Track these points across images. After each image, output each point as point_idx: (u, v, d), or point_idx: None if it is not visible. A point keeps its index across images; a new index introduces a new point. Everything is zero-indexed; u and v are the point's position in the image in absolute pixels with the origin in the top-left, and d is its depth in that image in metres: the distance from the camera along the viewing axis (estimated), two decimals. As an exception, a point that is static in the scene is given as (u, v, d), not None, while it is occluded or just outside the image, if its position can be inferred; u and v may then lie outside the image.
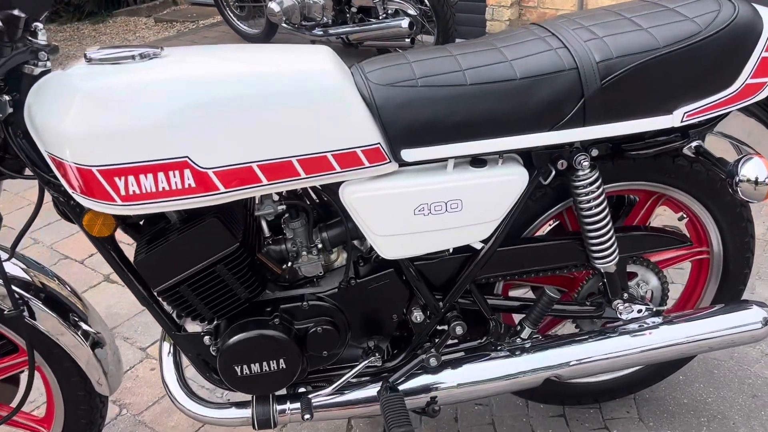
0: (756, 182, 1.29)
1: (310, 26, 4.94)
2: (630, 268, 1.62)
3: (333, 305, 1.44)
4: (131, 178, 1.18)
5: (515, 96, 1.28)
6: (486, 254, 1.46)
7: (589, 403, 1.86)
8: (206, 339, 1.43)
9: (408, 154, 1.30)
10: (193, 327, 1.47)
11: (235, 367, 1.38)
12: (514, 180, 1.36)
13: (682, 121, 1.33)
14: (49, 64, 1.27)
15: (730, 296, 1.72)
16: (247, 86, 1.21)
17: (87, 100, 1.17)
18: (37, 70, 1.24)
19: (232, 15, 5.91)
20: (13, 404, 1.53)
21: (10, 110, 1.22)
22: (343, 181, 1.32)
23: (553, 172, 1.39)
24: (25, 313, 1.40)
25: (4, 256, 1.43)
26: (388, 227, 1.35)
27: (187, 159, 1.19)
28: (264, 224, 1.41)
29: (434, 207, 1.35)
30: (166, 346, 1.53)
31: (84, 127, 1.16)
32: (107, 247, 1.35)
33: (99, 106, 1.16)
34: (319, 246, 1.42)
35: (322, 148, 1.25)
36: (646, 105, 1.30)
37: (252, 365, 1.38)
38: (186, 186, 1.20)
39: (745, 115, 1.48)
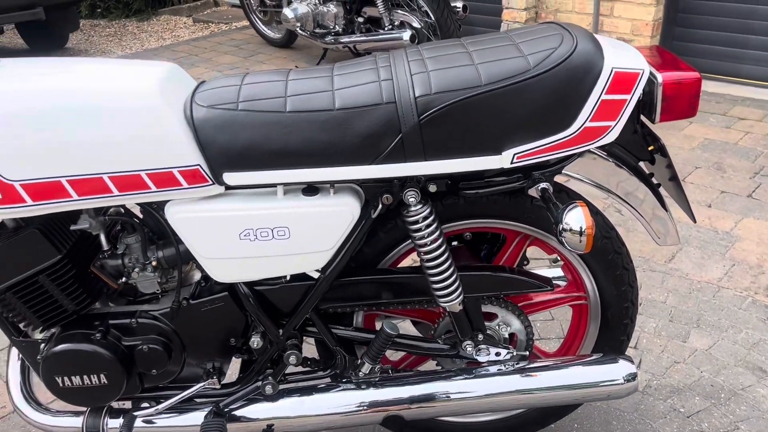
0: (579, 232, 1.21)
1: (322, 34, 4.98)
2: (489, 309, 1.55)
3: (164, 324, 1.44)
4: None
5: (332, 127, 1.25)
6: (323, 284, 1.42)
7: (465, 444, 1.79)
8: (42, 346, 1.45)
9: (230, 178, 1.28)
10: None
11: (56, 378, 1.40)
12: (343, 211, 1.32)
13: (512, 162, 1.26)
14: None
15: (612, 346, 1.62)
16: (58, 100, 1.22)
17: None
18: None
19: (257, 19, 6.03)
20: None
21: None
22: (168, 201, 1.32)
23: (380, 206, 1.34)
24: None
25: None
26: (214, 250, 1.34)
27: (-8, 171, 1.21)
28: (102, 238, 1.43)
29: (260, 233, 1.33)
30: (16, 350, 1.56)
31: None
32: None
33: None
34: (154, 264, 1.42)
35: (135, 166, 1.25)
36: (469, 144, 1.24)
37: (73, 377, 1.40)
38: (-8, 197, 1.23)
39: (603, 157, 1.39)
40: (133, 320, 1.43)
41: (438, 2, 4.35)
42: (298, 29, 5.10)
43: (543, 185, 1.34)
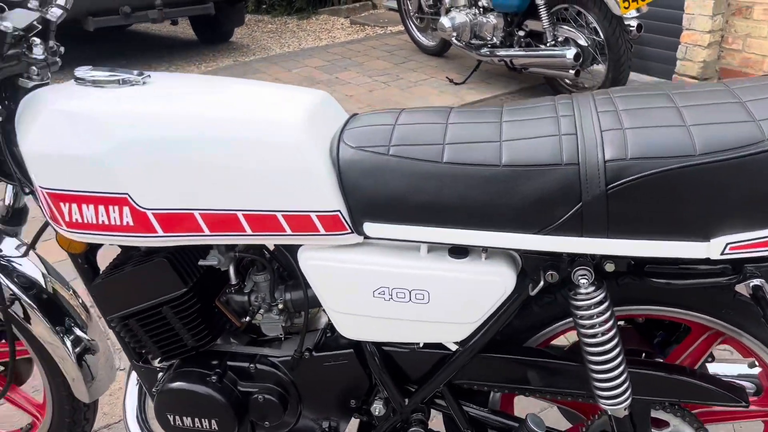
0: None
1: (478, 45, 4.77)
2: (659, 415, 1.27)
3: (283, 374, 1.32)
4: (74, 206, 1.17)
5: (495, 185, 1.04)
6: (461, 358, 1.23)
7: None
8: (160, 376, 1.38)
9: (370, 229, 1.12)
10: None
11: (168, 415, 1.32)
12: (495, 281, 1.12)
13: (722, 254, 0.99)
14: (46, 77, 1.29)
15: (814, 482, 1.28)
16: (199, 127, 1.12)
17: (47, 120, 1.16)
18: (30, 84, 1.27)
19: (412, 26, 5.94)
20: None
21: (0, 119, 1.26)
22: (301, 245, 1.19)
23: (541, 283, 1.12)
24: (17, 313, 1.47)
25: (21, 252, 1.52)
26: (345, 304, 1.19)
27: (127, 196, 1.14)
28: (231, 272, 1.32)
29: (396, 293, 1.16)
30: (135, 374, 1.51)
31: (37, 146, 1.16)
32: (79, 262, 1.36)
33: (55, 128, 1.15)
34: (280, 306, 1.30)
35: (271, 206, 1.13)
36: (668, 224, 0.99)
37: (184, 417, 1.31)
38: (124, 223, 1.16)
39: None
40: (251, 365, 1.31)
41: (610, 19, 3.97)
42: (453, 39, 4.92)
43: (756, 282, 1.05)
